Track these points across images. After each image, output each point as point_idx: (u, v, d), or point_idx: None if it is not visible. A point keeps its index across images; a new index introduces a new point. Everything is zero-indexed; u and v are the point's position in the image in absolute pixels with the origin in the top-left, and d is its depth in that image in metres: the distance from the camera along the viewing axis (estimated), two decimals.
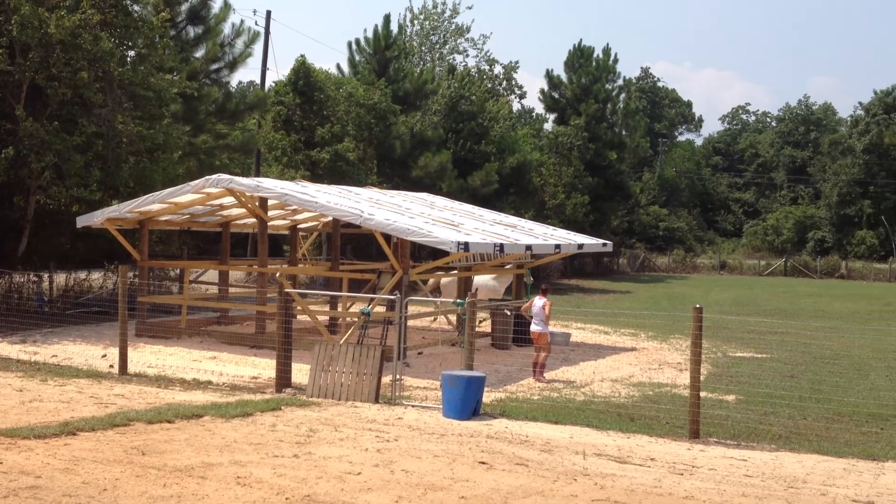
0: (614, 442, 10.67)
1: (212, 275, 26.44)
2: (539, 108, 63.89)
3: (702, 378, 14.89)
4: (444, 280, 23.86)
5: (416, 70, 44.66)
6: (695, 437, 11.11)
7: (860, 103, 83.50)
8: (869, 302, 38.45)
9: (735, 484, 8.75)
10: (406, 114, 39.18)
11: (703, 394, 13.38)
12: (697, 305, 11.73)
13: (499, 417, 11.97)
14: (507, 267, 22.35)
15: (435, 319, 21.28)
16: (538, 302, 16.17)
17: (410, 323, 19.53)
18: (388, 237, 17.44)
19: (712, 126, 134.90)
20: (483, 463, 9.14)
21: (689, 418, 11.34)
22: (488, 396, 13.28)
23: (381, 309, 17.70)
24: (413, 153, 37.94)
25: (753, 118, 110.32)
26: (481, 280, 23.58)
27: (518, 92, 68.04)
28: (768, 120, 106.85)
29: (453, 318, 21.20)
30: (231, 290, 24.17)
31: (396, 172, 37.53)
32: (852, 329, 25.62)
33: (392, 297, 14.53)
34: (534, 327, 16.08)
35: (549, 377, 15.96)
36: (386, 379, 13.35)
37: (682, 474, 9.10)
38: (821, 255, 67.77)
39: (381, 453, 9.34)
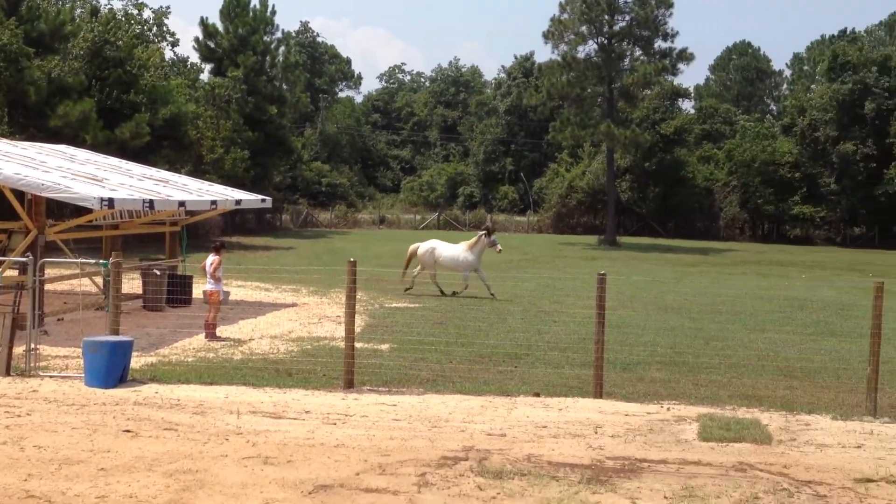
0: (270, 398, 10.61)
1: None
2: (194, 58, 61.26)
3: (358, 329, 15.31)
4: (420, 249, 23.03)
5: (53, 10, 40.71)
6: (349, 387, 11.36)
7: (503, 67, 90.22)
8: (509, 252, 41.70)
9: (384, 428, 9.08)
10: (42, 57, 35.68)
11: (359, 344, 13.73)
12: (352, 259, 11.93)
13: (149, 383, 11.40)
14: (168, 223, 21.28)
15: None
16: (208, 260, 15.80)
17: (51, 287, 17.97)
18: (20, 194, 15.83)
19: (371, 84, 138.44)
20: (128, 431, 8.69)
21: (344, 369, 11.57)
22: (138, 361, 12.61)
23: (12, 273, 16.07)
24: (51, 101, 34.72)
25: (409, 78, 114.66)
26: (452, 251, 22.60)
27: (170, 39, 64.59)
28: (422, 80, 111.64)
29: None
30: None
31: (31, 122, 34.13)
32: (494, 277, 27.63)
33: (24, 259, 13.20)
34: (205, 286, 15.74)
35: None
36: (19, 349, 12.15)
37: (335, 424, 9.27)
38: (469, 209, 72.63)
39: (11, 430, 8.51)
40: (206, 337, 15.38)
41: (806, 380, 12.68)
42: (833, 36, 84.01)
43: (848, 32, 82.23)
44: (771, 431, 9.14)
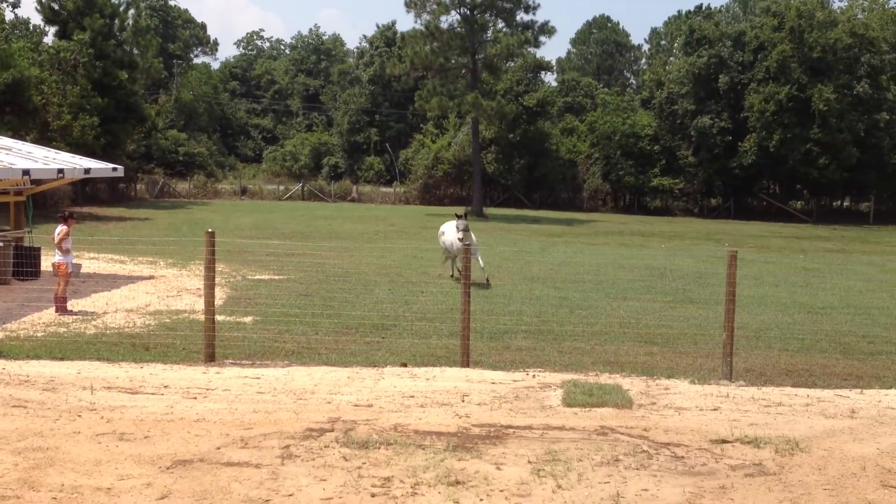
0: (126, 373, 10.16)
1: None
2: (37, 20, 57.91)
3: (220, 302, 14.92)
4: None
5: None
6: (211, 361, 11.02)
7: (365, 36, 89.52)
8: (376, 223, 41.69)
9: (247, 402, 8.82)
10: None
11: (221, 317, 13.35)
12: (210, 230, 11.53)
13: None
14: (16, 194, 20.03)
15: None
16: (57, 230, 15.31)
17: None
18: None
19: (228, 50, 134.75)
20: None
21: (205, 342, 11.22)
22: None
23: None
24: None
25: (268, 45, 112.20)
26: (449, 237, 20.41)
27: (10, 0, 60.89)
28: (282, 47, 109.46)
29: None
30: None
31: None
32: (361, 248, 27.52)
33: None
34: (54, 258, 15.23)
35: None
36: None
37: (196, 398, 8.95)
38: (335, 180, 71.86)
39: None
40: (57, 311, 14.67)
41: (665, 346, 13.12)
42: (689, 11, 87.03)
43: (704, 8, 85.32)
44: (632, 396, 9.39)
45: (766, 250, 34.31)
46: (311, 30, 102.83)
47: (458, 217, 20.23)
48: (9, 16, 58.54)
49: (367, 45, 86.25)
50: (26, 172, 17.06)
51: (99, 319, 14.33)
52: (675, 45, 72.92)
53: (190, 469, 6.74)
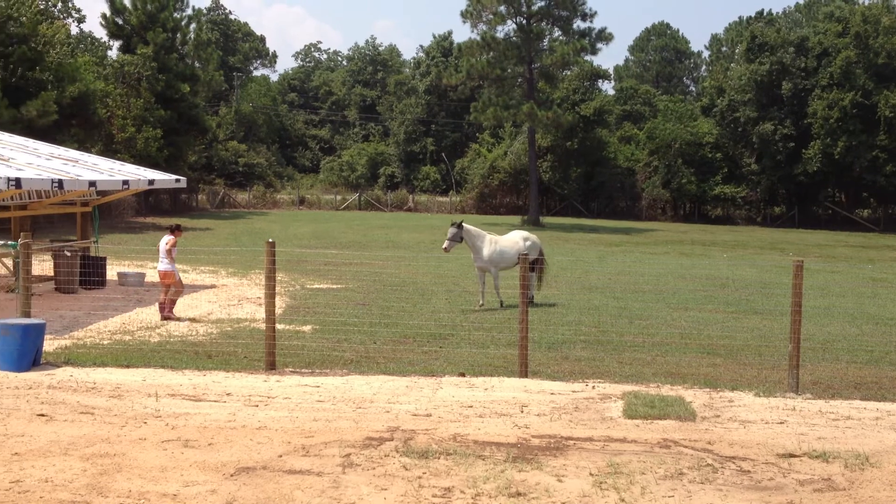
0: (190, 381, 10.32)
1: None
2: (101, 34, 59.44)
3: (279, 311, 15.06)
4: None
5: None
6: (271, 369, 11.13)
7: (421, 46, 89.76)
8: (432, 232, 41.73)
9: (307, 410, 8.90)
10: None
11: (280, 326, 13.47)
12: (271, 240, 11.66)
13: (63, 366, 11.04)
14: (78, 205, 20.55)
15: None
16: (163, 240, 15.80)
17: None
18: None
19: (286, 62, 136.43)
20: (42, 415, 8.44)
21: (266, 350, 11.34)
22: (52, 344, 12.26)
23: None
24: None
25: (325, 56, 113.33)
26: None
27: (76, 16, 62.60)
28: (339, 59, 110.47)
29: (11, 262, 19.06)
30: None
31: None
32: (418, 258, 27.59)
33: None
34: (159, 266, 15.67)
35: (122, 320, 15.07)
36: None
37: (258, 406, 9.05)
38: (391, 190, 72.23)
39: None
40: (163, 318, 15.15)
41: (729, 357, 12.87)
42: (750, 17, 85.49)
43: (765, 14, 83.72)
44: (695, 408, 9.24)
45: (832, 260, 33.55)
46: (367, 41, 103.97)
47: (453, 225, 17.65)
48: (74, 30, 60.20)
49: (424, 56, 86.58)
50: (93, 184, 17.46)
51: (163, 328, 14.59)
52: (737, 51, 71.69)
53: (253, 476, 6.81)
